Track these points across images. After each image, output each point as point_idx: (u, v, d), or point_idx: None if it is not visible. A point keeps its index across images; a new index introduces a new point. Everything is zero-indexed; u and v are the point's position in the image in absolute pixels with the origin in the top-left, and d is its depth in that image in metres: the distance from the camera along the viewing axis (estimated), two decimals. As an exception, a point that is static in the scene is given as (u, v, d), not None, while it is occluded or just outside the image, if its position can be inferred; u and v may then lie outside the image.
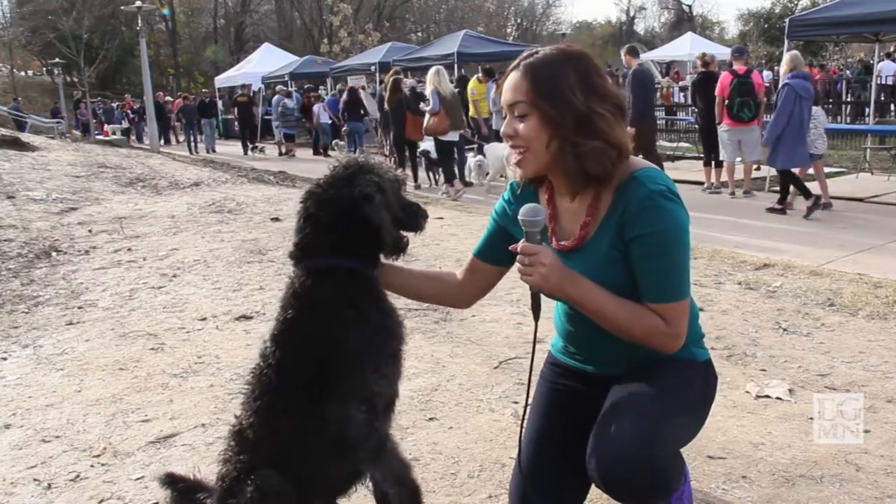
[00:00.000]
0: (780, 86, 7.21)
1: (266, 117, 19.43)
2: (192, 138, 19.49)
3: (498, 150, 9.42)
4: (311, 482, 1.64)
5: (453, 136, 9.45)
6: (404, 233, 1.77)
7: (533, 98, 1.55)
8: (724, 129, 8.25)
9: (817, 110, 7.58)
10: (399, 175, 1.76)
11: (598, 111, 1.54)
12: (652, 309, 1.57)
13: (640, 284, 1.58)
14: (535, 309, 1.66)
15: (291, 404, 1.60)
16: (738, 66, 8.16)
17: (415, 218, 1.76)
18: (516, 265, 1.58)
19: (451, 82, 12.47)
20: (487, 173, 9.87)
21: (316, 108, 16.83)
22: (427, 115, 9.34)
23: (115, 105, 27.39)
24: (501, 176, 9.73)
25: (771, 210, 7.36)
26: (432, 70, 9.49)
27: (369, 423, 1.60)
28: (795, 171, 7.31)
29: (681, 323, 1.59)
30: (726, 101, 8.05)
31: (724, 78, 8.17)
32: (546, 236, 1.69)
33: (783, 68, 7.26)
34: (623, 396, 1.61)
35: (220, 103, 22.53)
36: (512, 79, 1.59)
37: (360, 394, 1.60)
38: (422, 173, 10.69)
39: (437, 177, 10.52)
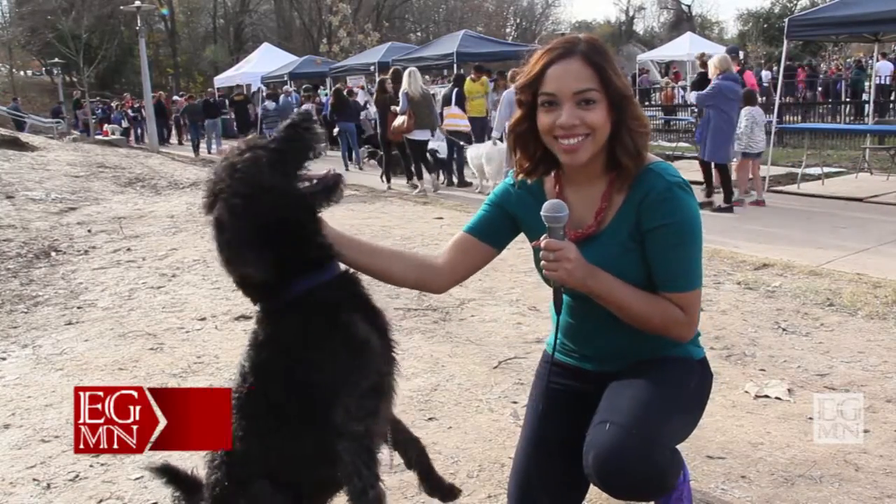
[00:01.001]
0: (709, 87, 7.46)
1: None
2: (196, 139, 18.63)
3: (478, 150, 9.53)
4: (302, 486, 1.63)
5: (419, 136, 9.67)
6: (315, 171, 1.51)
7: (601, 85, 1.55)
8: None
9: (756, 109, 7.89)
10: (246, 155, 1.47)
11: (633, 98, 1.60)
12: (669, 298, 1.60)
13: (659, 274, 1.60)
14: (558, 303, 1.67)
15: (277, 427, 1.56)
16: (734, 66, 8.20)
17: (298, 154, 1.47)
18: (541, 261, 1.57)
19: (449, 82, 12.53)
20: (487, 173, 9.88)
21: (305, 107, 16.85)
22: (398, 115, 9.66)
23: (114, 105, 27.35)
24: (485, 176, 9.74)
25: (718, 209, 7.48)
26: (405, 72, 9.68)
27: (355, 464, 1.50)
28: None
29: (696, 311, 1.63)
30: None
31: None
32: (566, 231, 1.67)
33: (712, 70, 7.48)
34: (619, 393, 1.61)
35: (226, 102, 21.99)
36: (572, 66, 1.55)
37: (341, 431, 1.50)
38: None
39: (444, 175, 10.69)
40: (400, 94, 9.47)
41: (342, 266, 1.63)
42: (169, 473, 1.76)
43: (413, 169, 9.93)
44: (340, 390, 1.49)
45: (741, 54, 8.97)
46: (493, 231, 1.80)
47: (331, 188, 1.50)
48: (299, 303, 1.53)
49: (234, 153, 1.50)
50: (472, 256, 1.80)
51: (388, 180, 10.66)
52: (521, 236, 1.83)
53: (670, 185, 1.56)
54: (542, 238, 1.57)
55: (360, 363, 1.52)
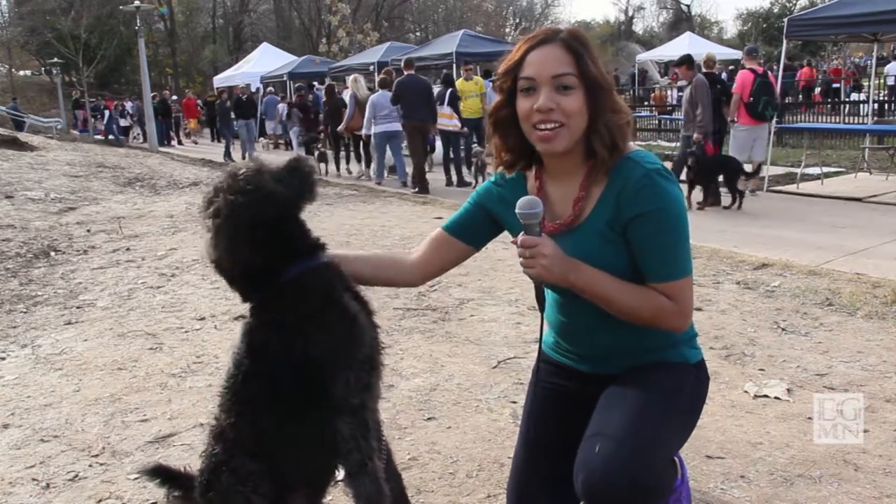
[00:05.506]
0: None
1: (262, 116, 19.41)
2: (228, 142, 16.32)
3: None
4: (290, 473, 1.64)
5: (364, 131, 11.01)
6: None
7: (579, 71, 1.55)
8: (742, 128, 8.25)
9: None
10: (240, 181, 1.59)
11: (612, 89, 1.59)
12: (657, 289, 1.57)
13: (644, 264, 1.58)
14: (540, 300, 1.65)
15: (273, 408, 1.58)
16: (756, 66, 8.24)
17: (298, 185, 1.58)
18: (518, 258, 1.57)
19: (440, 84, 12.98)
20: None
21: (280, 107, 16.80)
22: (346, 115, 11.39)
23: (114, 104, 27.31)
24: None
25: None
26: (350, 78, 11.43)
27: (354, 437, 1.54)
28: None
29: (686, 300, 1.58)
30: (750, 100, 8.07)
31: (746, 77, 8.15)
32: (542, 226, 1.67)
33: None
34: (611, 406, 1.59)
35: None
36: (551, 52, 1.55)
37: (341, 406, 1.54)
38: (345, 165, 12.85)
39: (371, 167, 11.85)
40: (348, 97, 11.13)
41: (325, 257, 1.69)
42: (162, 474, 1.76)
43: (354, 158, 12.30)
44: (338, 363, 1.55)
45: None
46: (471, 229, 1.80)
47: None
48: (291, 286, 1.59)
49: (238, 166, 1.64)
50: (446, 253, 1.83)
51: (339, 169, 12.52)
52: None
53: (648, 173, 1.53)
54: (519, 235, 1.56)
55: (354, 335, 1.59)
